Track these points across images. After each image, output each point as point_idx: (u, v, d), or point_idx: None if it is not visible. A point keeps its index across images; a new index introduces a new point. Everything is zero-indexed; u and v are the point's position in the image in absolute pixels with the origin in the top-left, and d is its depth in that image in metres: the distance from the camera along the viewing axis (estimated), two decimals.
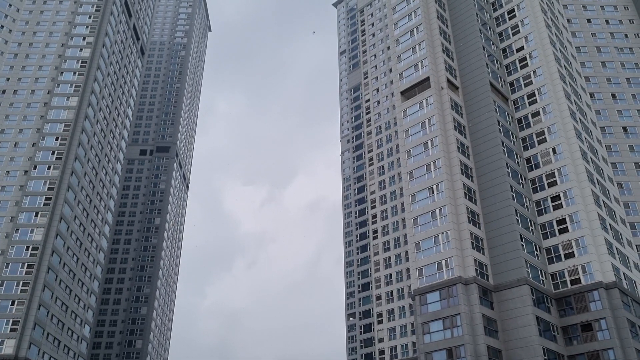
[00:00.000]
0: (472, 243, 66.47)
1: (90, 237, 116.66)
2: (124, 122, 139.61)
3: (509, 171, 72.17)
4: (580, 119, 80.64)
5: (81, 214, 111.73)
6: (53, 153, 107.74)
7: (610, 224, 72.43)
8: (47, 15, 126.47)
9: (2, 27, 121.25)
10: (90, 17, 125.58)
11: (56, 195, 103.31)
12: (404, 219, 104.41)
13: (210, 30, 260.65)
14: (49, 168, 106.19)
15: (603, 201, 74.00)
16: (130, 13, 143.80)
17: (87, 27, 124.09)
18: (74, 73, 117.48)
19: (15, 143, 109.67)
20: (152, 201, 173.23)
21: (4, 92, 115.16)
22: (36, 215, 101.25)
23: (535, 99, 79.82)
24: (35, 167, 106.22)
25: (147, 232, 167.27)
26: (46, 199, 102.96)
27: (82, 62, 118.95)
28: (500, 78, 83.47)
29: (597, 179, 75.77)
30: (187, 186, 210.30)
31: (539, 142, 76.55)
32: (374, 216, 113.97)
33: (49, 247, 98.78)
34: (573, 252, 67.29)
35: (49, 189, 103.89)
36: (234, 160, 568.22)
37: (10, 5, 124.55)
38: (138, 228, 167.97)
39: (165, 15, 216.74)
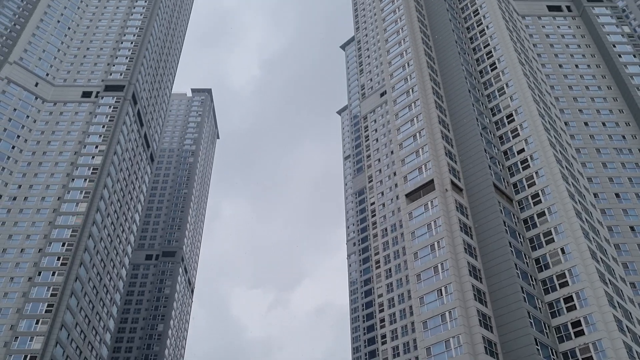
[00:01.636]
0: (485, 348, 64.06)
1: (91, 345, 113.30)
2: (131, 227, 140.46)
3: (519, 272, 71.06)
4: (586, 219, 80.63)
5: (83, 321, 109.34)
6: (59, 259, 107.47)
7: (627, 326, 70.09)
8: (62, 125, 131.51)
9: (18, 137, 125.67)
10: (104, 126, 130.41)
11: (58, 302, 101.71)
12: (413, 323, 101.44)
13: (218, 137, 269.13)
14: (53, 274, 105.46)
15: (617, 302, 72.11)
16: (142, 122, 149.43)
17: (100, 136, 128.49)
18: (85, 180, 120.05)
19: (22, 249, 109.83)
20: (155, 307, 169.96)
21: (14, 199, 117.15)
22: (37, 322, 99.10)
23: (540, 200, 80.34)
24: (39, 274, 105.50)
25: (150, 340, 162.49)
26: (48, 305, 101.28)
27: (94, 169, 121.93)
28: (504, 179, 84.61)
29: (609, 279, 74.34)
30: (192, 291, 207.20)
31: (547, 242, 76.02)
32: (382, 320, 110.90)
33: (48, 356, 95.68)
34: (591, 356, 64.58)
35: (52, 295, 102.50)
36: (240, 264, 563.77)
37: (27, 116, 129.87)
38: (140, 335, 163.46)
39: (175, 123, 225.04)
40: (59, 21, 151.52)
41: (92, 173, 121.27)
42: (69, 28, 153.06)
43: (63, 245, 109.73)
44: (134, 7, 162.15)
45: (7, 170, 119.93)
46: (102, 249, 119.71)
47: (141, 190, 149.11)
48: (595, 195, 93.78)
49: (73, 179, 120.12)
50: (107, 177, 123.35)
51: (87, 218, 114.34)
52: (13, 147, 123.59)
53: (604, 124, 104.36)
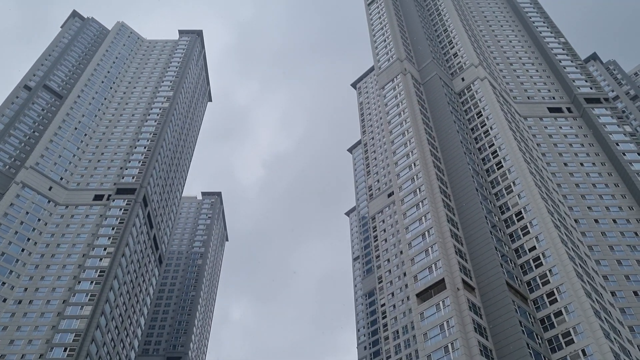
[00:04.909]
0: None
1: None
2: (136, 331, 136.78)
3: None
4: (605, 318, 77.67)
5: None
6: None
7: None
8: (72, 228, 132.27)
9: (29, 239, 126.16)
10: (113, 228, 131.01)
11: None
12: None
13: (227, 240, 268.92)
14: None
15: None
16: (151, 224, 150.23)
17: (109, 238, 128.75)
18: (91, 282, 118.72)
19: (23, 355, 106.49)
20: None
21: (19, 302, 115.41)
22: None
23: (555, 298, 77.99)
24: None
25: None
26: None
27: (101, 271, 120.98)
28: (517, 277, 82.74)
29: None
30: None
31: (567, 344, 72.78)
32: None
33: None
34: None
35: None
36: None
37: (39, 219, 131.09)
38: None
39: (185, 225, 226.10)
40: (76, 128, 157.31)
41: (99, 275, 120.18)
42: (85, 134, 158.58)
43: (65, 350, 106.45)
44: (149, 114, 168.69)
45: (14, 273, 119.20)
46: (104, 355, 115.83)
47: (148, 292, 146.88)
48: (613, 293, 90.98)
49: (79, 282, 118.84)
50: (114, 279, 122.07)
51: (91, 322, 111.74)
52: (22, 250, 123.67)
53: (614, 221, 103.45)
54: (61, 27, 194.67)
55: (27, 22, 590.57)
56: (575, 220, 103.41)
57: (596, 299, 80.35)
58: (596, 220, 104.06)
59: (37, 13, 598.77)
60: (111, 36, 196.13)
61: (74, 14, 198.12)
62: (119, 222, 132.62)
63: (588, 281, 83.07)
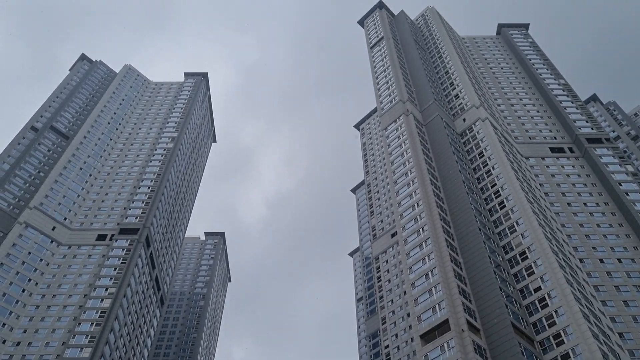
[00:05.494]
0: None
1: None
2: None
3: None
4: None
5: None
6: None
7: None
8: (74, 268, 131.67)
9: (30, 280, 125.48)
10: (115, 269, 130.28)
11: None
12: None
13: (230, 280, 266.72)
14: None
15: None
16: (154, 265, 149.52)
17: (111, 278, 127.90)
18: (92, 324, 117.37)
19: None
20: None
21: (18, 344, 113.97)
22: None
23: (562, 340, 76.69)
24: None
25: None
26: None
27: (102, 312, 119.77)
28: (522, 319, 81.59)
29: None
30: None
31: None
32: None
33: None
34: None
35: None
36: None
37: (41, 260, 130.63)
38: None
39: (187, 266, 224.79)
40: (81, 168, 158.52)
41: (99, 316, 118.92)
42: (90, 174, 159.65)
43: None
44: (153, 155, 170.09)
45: (14, 314, 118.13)
46: None
47: (149, 334, 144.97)
48: (620, 335, 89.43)
49: (80, 323, 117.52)
50: (115, 320, 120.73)
51: None
52: (23, 291, 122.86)
53: (620, 260, 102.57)
54: (70, 69, 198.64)
55: (37, 64, 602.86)
56: (580, 260, 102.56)
57: (604, 341, 78.95)
58: (601, 260, 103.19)
59: (47, 55, 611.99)
60: (118, 79, 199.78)
61: (83, 56, 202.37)
62: (121, 263, 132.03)
63: (595, 322, 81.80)
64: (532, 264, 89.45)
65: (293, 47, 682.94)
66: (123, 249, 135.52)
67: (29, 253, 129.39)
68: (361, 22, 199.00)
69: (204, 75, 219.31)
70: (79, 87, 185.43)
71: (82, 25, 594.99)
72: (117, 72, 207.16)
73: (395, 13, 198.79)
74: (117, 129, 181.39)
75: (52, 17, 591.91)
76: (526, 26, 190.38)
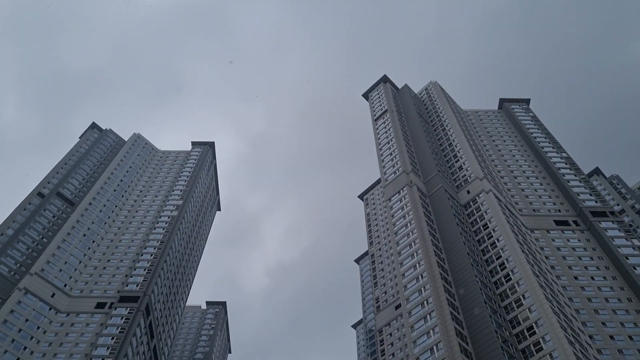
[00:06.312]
0: None
1: None
2: None
3: None
4: None
5: None
6: None
7: None
8: (71, 337, 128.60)
9: (25, 348, 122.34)
10: (113, 338, 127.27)
11: None
12: None
13: (230, 352, 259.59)
14: None
15: None
16: (152, 334, 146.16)
17: (107, 348, 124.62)
18: None
19: None
20: None
21: None
22: None
23: None
24: None
25: None
26: None
27: None
28: None
29: None
30: None
31: None
32: None
33: None
34: None
35: None
36: None
37: (38, 327, 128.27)
38: None
39: (187, 336, 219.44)
40: (84, 235, 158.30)
41: None
42: (93, 241, 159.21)
43: None
44: (158, 222, 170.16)
45: None
46: None
47: None
48: None
49: None
50: None
51: None
52: (18, 359, 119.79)
53: (630, 337, 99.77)
54: (80, 137, 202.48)
55: (48, 133, 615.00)
56: (590, 337, 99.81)
57: None
58: (611, 337, 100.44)
59: (59, 124, 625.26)
60: (127, 147, 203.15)
61: (93, 125, 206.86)
62: (119, 332, 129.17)
63: None
64: (541, 340, 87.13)
65: (299, 118, 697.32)
66: (122, 317, 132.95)
67: (27, 320, 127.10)
68: (366, 95, 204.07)
69: (211, 145, 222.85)
70: (87, 155, 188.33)
71: (93, 94, 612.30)
72: (126, 140, 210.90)
73: (399, 87, 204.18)
74: (122, 196, 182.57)
75: (65, 87, 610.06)
76: (527, 101, 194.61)
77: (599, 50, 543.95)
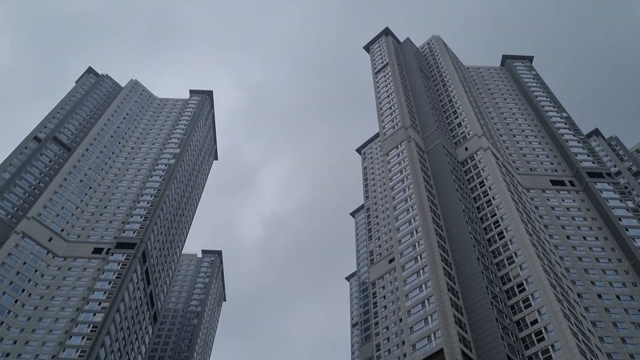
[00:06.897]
0: None
1: None
2: None
3: None
4: None
5: None
6: None
7: None
8: (69, 280, 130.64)
9: (23, 290, 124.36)
10: (110, 283, 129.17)
11: None
12: None
13: (225, 300, 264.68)
14: None
15: None
16: (149, 280, 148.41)
17: (105, 292, 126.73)
18: (83, 338, 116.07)
19: None
20: None
21: (7, 355, 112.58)
22: None
23: None
24: None
25: None
26: None
27: (93, 326, 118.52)
28: (518, 352, 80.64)
29: None
30: None
31: None
32: None
33: None
34: None
35: None
36: None
37: (36, 270, 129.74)
38: None
39: (183, 283, 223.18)
40: (81, 180, 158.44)
41: (91, 331, 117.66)
42: (90, 187, 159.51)
43: None
44: (155, 170, 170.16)
45: (5, 324, 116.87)
46: None
47: (140, 351, 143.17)
48: None
49: (71, 337, 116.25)
50: (107, 335, 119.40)
51: None
52: (16, 301, 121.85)
53: (618, 297, 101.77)
54: (76, 82, 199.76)
55: (44, 77, 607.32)
56: (578, 295, 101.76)
57: None
58: (599, 296, 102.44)
59: (54, 68, 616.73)
60: (124, 93, 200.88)
61: (89, 70, 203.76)
62: (116, 277, 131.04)
63: (591, 358, 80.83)
64: (530, 297, 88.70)
65: (298, 69, 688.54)
66: (119, 263, 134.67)
67: (24, 263, 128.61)
68: (367, 48, 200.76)
69: (209, 94, 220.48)
70: (84, 100, 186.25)
71: (90, 39, 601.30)
72: (123, 86, 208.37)
73: (401, 40, 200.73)
74: (119, 143, 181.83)
75: (61, 30, 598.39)
76: (530, 58, 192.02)
77: (605, 10, 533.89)
